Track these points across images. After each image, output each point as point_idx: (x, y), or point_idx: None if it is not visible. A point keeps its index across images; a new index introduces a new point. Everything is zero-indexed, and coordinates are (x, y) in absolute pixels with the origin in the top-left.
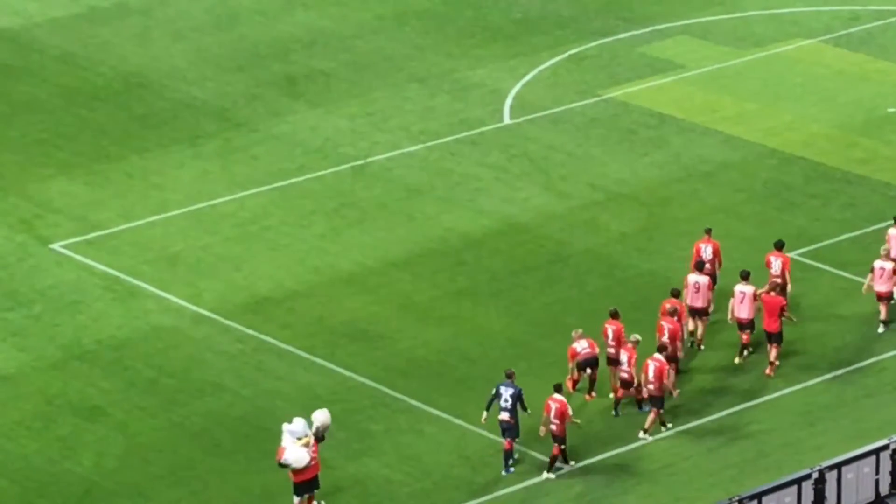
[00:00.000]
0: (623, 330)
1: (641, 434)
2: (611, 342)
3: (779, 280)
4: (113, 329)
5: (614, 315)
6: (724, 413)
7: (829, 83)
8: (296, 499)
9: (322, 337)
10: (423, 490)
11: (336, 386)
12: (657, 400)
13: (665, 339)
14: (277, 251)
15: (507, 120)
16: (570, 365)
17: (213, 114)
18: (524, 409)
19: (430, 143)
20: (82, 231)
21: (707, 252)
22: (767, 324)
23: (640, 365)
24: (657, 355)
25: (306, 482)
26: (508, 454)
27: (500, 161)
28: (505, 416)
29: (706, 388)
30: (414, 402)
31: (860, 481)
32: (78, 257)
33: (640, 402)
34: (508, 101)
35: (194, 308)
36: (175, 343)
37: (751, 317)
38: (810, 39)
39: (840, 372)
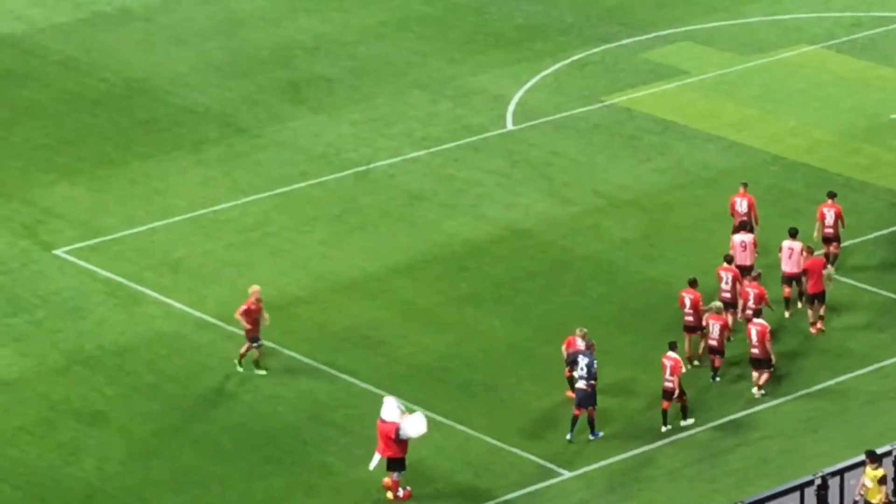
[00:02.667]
0: (701, 299)
1: (756, 392)
2: (688, 310)
3: (831, 231)
4: (115, 335)
5: (692, 283)
6: (726, 419)
7: (832, 89)
8: (395, 475)
9: (324, 343)
10: (426, 496)
11: (338, 392)
12: (763, 362)
13: (752, 303)
14: (280, 257)
15: (509, 126)
16: (563, 349)
17: (216, 119)
18: (593, 378)
19: (432, 149)
20: (85, 237)
21: (742, 206)
22: (812, 286)
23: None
24: (758, 319)
25: (402, 459)
26: (575, 420)
27: (503, 167)
28: (581, 384)
29: (708, 393)
30: (416, 408)
31: None
32: (81, 263)
33: (715, 371)
34: (511, 107)
35: (197, 314)
36: (177, 349)
37: (799, 271)
38: (813, 46)
39: (843, 378)
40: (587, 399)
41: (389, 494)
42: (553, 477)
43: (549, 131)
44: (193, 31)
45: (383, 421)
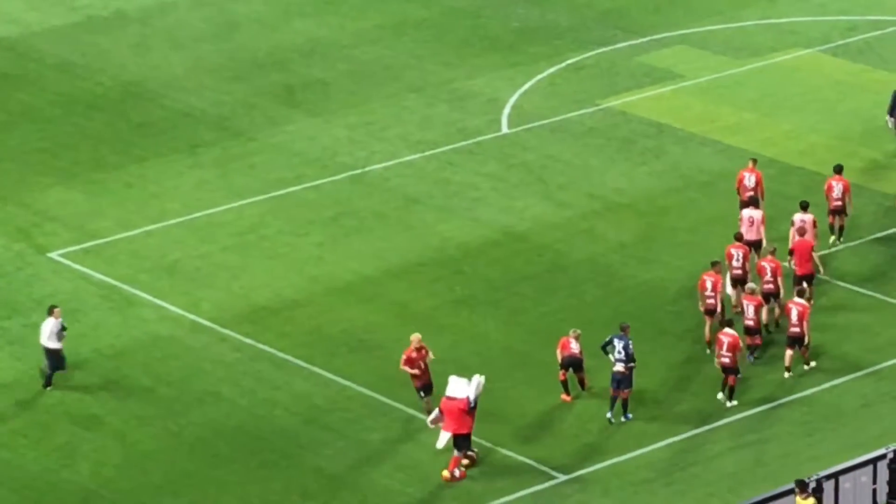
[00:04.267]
0: (720, 281)
1: (787, 374)
2: (709, 293)
3: (839, 203)
4: (111, 338)
5: (715, 265)
6: (721, 422)
7: (828, 93)
8: (456, 452)
9: (320, 346)
10: (421, 499)
11: (334, 395)
12: (800, 339)
13: (769, 277)
14: (275, 260)
15: (505, 129)
16: (558, 351)
17: (212, 123)
18: (632, 360)
19: (428, 153)
20: (80, 240)
21: (750, 181)
22: (798, 268)
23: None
24: (798, 299)
25: (469, 435)
26: (614, 401)
27: (498, 170)
28: (619, 367)
29: (704, 396)
30: (411, 411)
31: (857, 491)
32: (76, 266)
33: (752, 349)
34: (506, 111)
35: (192, 317)
36: (173, 352)
37: (811, 242)
38: (808, 49)
39: (838, 381)
40: (625, 381)
41: (446, 473)
42: (548, 480)
43: (545, 135)
44: (189, 35)
45: (451, 398)
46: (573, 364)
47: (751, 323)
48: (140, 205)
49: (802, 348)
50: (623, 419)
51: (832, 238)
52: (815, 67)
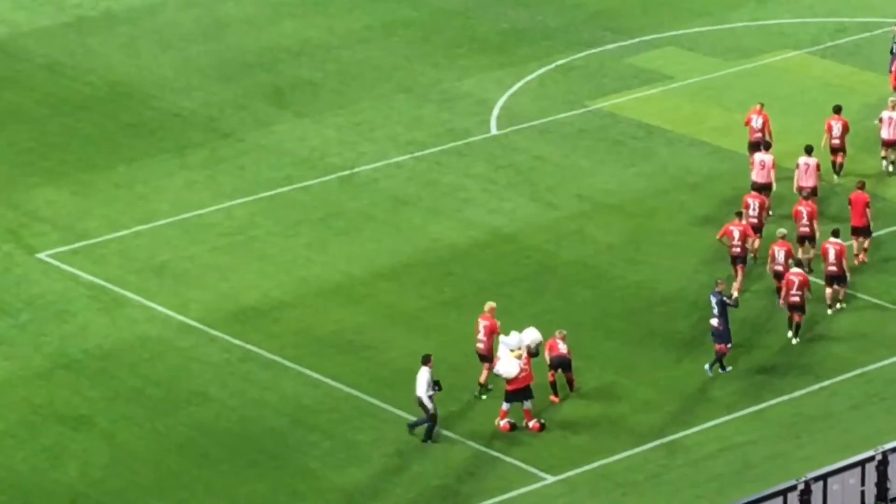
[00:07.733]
0: (749, 228)
1: (837, 307)
2: (736, 242)
3: (838, 142)
4: (99, 338)
5: (739, 215)
6: (709, 424)
7: (817, 95)
8: (505, 405)
9: (309, 347)
10: (409, 500)
11: (322, 396)
12: (841, 278)
13: (805, 220)
14: (264, 261)
15: (494, 130)
16: (546, 353)
17: (200, 123)
18: (724, 315)
19: (417, 154)
20: (69, 240)
21: (757, 122)
22: (854, 219)
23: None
24: (834, 239)
25: (518, 391)
26: (718, 357)
27: (487, 172)
28: (714, 322)
29: (693, 398)
30: (400, 413)
31: (846, 492)
32: (64, 267)
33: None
34: (495, 112)
35: (181, 318)
36: (161, 353)
37: (815, 184)
38: (797, 51)
39: (826, 383)
40: (719, 335)
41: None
42: (536, 482)
43: (534, 136)
44: (178, 35)
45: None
46: (562, 365)
47: (780, 268)
48: (129, 205)
49: (843, 286)
50: (708, 370)
51: (834, 177)
52: (804, 69)
